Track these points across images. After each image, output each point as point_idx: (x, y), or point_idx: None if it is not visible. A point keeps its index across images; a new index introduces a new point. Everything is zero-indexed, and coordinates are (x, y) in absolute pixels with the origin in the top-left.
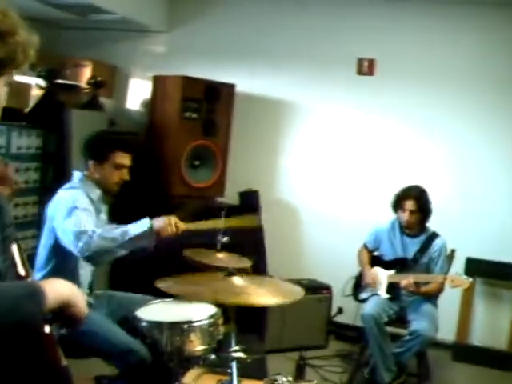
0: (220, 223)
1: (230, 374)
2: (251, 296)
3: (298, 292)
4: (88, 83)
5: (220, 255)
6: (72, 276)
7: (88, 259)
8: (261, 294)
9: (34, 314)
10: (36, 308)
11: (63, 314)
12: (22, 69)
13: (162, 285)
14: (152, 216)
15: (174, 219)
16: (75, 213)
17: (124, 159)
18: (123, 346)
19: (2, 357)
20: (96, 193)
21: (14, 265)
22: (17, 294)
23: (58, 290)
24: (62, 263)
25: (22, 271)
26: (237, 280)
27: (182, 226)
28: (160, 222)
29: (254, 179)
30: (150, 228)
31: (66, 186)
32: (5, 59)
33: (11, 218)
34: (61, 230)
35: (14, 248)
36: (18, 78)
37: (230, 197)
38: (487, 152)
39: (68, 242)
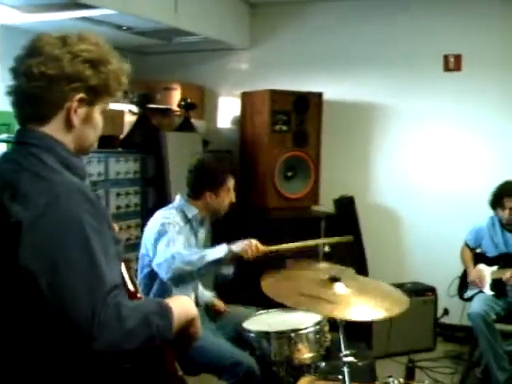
0: (308, 243)
1: (342, 379)
2: (355, 310)
3: (405, 301)
4: (179, 105)
5: (322, 265)
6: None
7: (169, 279)
8: (365, 306)
9: (165, 330)
10: (166, 323)
11: (185, 331)
12: (116, 96)
13: (266, 283)
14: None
15: (253, 242)
16: (161, 232)
17: (232, 182)
18: (230, 359)
19: (129, 366)
20: (192, 212)
21: (123, 279)
22: (149, 310)
23: (185, 308)
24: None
25: (131, 287)
26: (339, 287)
27: (263, 248)
28: (238, 246)
29: (347, 185)
30: (227, 253)
31: (165, 207)
32: (98, 87)
33: (120, 237)
34: (152, 249)
35: (122, 266)
36: (111, 105)
37: (326, 205)
38: None
39: (156, 261)
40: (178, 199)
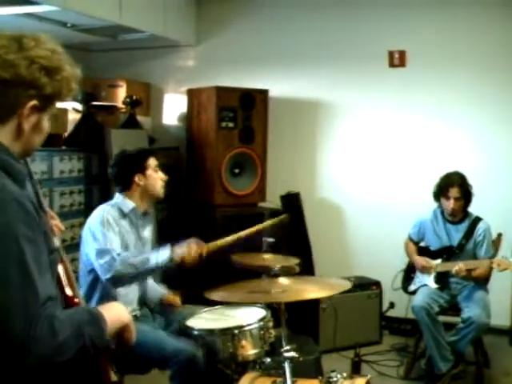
0: (247, 231)
1: (284, 374)
2: (298, 292)
3: (345, 284)
4: (124, 103)
5: (266, 257)
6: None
7: (108, 280)
8: (308, 290)
9: (97, 338)
10: (99, 332)
11: (119, 337)
12: (66, 101)
13: (211, 295)
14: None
15: (195, 244)
16: (99, 230)
17: (156, 161)
18: (171, 348)
19: (61, 375)
20: (128, 206)
21: (61, 285)
22: (81, 320)
23: (117, 314)
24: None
25: (68, 291)
26: (283, 280)
27: (205, 248)
28: (181, 249)
29: (294, 182)
30: (170, 258)
31: (102, 205)
32: (52, 94)
33: (56, 242)
34: (87, 249)
35: (60, 269)
36: None
37: (273, 201)
38: None
39: (92, 259)
40: (116, 196)
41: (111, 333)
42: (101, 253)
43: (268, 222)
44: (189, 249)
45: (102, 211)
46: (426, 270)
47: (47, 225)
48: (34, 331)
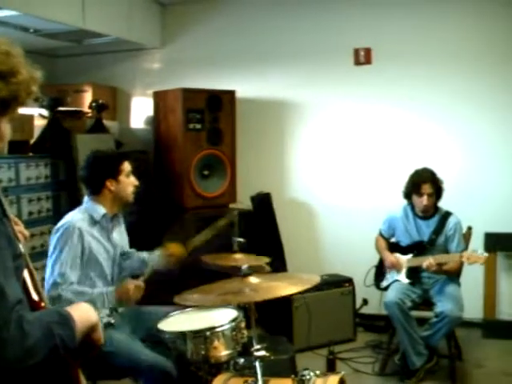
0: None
1: (255, 374)
2: (269, 290)
3: (315, 278)
4: (90, 107)
5: (237, 256)
6: None
7: (49, 296)
8: (279, 287)
9: (68, 339)
10: (69, 332)
11: (88, 338)
12: (26, 105)
13: (181, 300)
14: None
15: (130, 287)
16: (64, 247)
17: (129, 166)
18: (146, 362)
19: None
20: (99, 212)
21: (27, 290)
22: (50, 321)
23: (85, 315)
24: None
25: (35, 296)
26: (253, 279)
27: (143, 285)
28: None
29: (264, 182)
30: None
31: (71, 212)
32: (8, 98)
33: (21, 248)
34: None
35: (26, 274)
36: (20, 110)
37: (243, 202)
38: (491, 128)
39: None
40: (85, 201)
41: (81, 333)
42: (55, 282)
43: (218, 223)
44: (128, 293)
45: (69, 223)
46: (395, 267)
47: (11, 230)
48: (3, 335)
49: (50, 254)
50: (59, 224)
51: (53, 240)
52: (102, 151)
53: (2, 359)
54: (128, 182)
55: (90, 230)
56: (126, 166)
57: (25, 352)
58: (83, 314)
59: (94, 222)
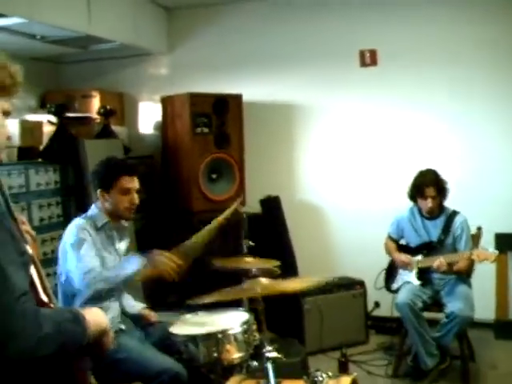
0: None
1: (267, 375)
2: (277, 286)
3: (323, 278)
4: (98, 113)
5: (248, 260)
6: None
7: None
8: (287, 285)
9: (79, 335)
10: (80, 329)
11: (97, 342)
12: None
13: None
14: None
15: (167, 253)
16: (74, 245)
17: (130, 183)
18: (157, 368)
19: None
20: (102, 220)
21: (35, 290)
22: (62, 317)
23: (97, 318)
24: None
25: (44, 297)
26: (263, 280)
27: (176, 258)
28: (152, 256)
29: (273, 185)
30: (142, 266)
31: (77, 218)
32: None
33: (26, 247)
34: (67, 269)
35: (34, 275)
36: (29, 116)
37: (252, 206)
38: (499, 128)
39: (76, 280)
40: (91, 208)
41: (91, 335)
42: (85, 274)
43: (226, 213)
44: (161, 255)
45: (75, 227)
46: (406, 266)
47: (15, 228)
48: (12, 324)
49: (67, 260)
50: (67, 231)
51: (65, 246)
52: (110, 159)
53: (15, 346)
54: (120, 200)
55: (93, 236)
56: (125, 183)
57: (36, 342)
58: (95, 317)
59: (96, 228)
